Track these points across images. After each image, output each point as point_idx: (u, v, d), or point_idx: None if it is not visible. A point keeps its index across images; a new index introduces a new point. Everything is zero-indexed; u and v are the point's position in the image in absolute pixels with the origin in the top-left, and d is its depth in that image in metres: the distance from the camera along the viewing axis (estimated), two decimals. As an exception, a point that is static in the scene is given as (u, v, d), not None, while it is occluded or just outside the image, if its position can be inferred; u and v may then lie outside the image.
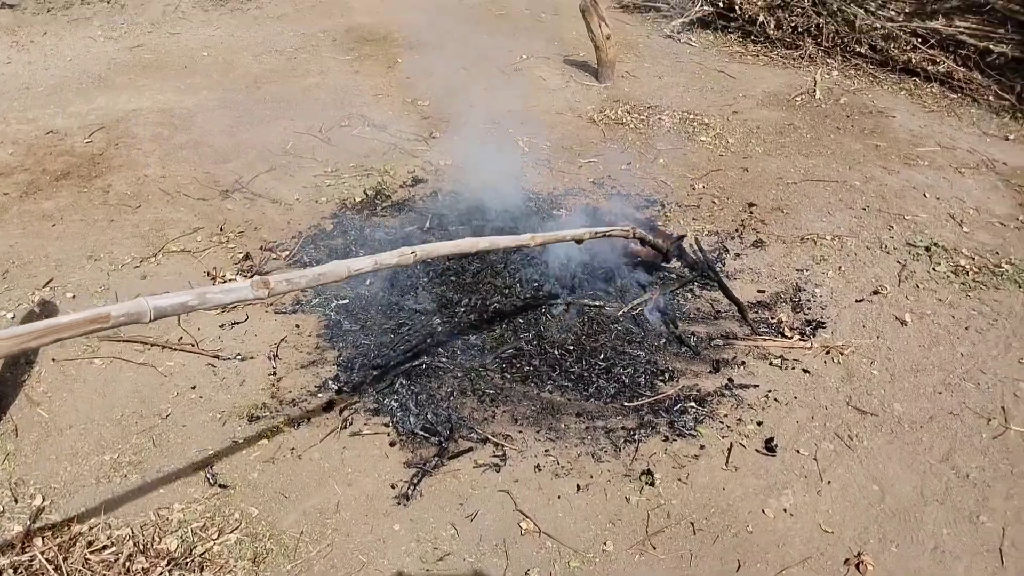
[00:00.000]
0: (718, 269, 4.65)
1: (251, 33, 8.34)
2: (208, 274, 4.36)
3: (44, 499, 2.98)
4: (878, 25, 8.30)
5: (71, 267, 4.37)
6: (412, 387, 3.63)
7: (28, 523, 2.86)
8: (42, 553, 2.73)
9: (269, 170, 5.56)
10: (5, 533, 2.83)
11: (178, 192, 5.20)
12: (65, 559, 2.72)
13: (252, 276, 4.30)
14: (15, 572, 2.66)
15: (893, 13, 8.42)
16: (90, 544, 2.79)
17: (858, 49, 8.36)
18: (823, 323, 4.28)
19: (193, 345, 3.85)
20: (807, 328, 4.24)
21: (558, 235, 3.77)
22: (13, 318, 3.94)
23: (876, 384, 3.86)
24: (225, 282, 4.31)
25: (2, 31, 7.38)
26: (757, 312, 4.36)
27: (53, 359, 3.70)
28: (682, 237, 4.63)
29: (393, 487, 3.13)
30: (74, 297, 4.13)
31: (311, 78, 7.23)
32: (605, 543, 2.97)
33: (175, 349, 3.82)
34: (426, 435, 3.38)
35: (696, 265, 4.64)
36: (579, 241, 3.84)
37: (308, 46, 8.05)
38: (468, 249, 3.33)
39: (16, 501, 2.97)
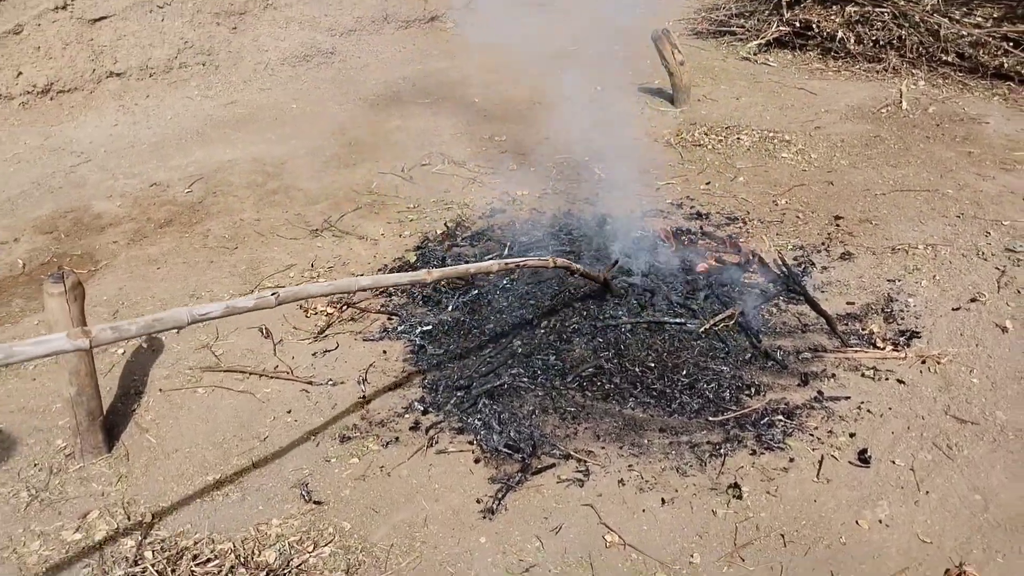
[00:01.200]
0: (804, 283, 4.56)
1: (336, 84, 8.75)
2: (301, 306, 4.56)
3: (154, 516, 3.16)
4: (964, 33, 8.05)
5: (174, 305, 4.65)
6: (495, 406, 3.68)
7: (140, 538, 3.04)
8: (152, 565, 2.89)
9: (355, 209, 5.80)
10: (120, 548, 3.01)
11: (271, 233, 5.48)
12: (173, 571, 2.87)
13: (342, 307, 4.48)
14: (128, 583, 2.83)
15: (980, 19, 8.15)
16: (195, 557, 2.94)
17: (945, 58, 8.12)
18: (918, 333, 4.13)
19: (288, 372, 4.02)
20: (901, 338, 4.09)
21: (460, 269, 3.87)
22: (123, 352, 4.22)
23: (976, 392, 3.69)
24: (316, 313, 4.50)
25: (110, 96, 7.99)
26: (847, 324, 4.25)
27: (160, 390, 3.94)
28: (614, 264, 4.47)
29: (478, 502, 3.18)
30: (178, 332, 4.39)
31: (393, 122, 7.52)
32: (692, 555, 2.92)
33: (271, 377, 4.00)
34: (509, 452, 3.42)
35: (781, 279, 4.57)
36: (488, 273, 4.01)
37: (389, 93, 8.39)
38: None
39: (128, 519, 3.16)
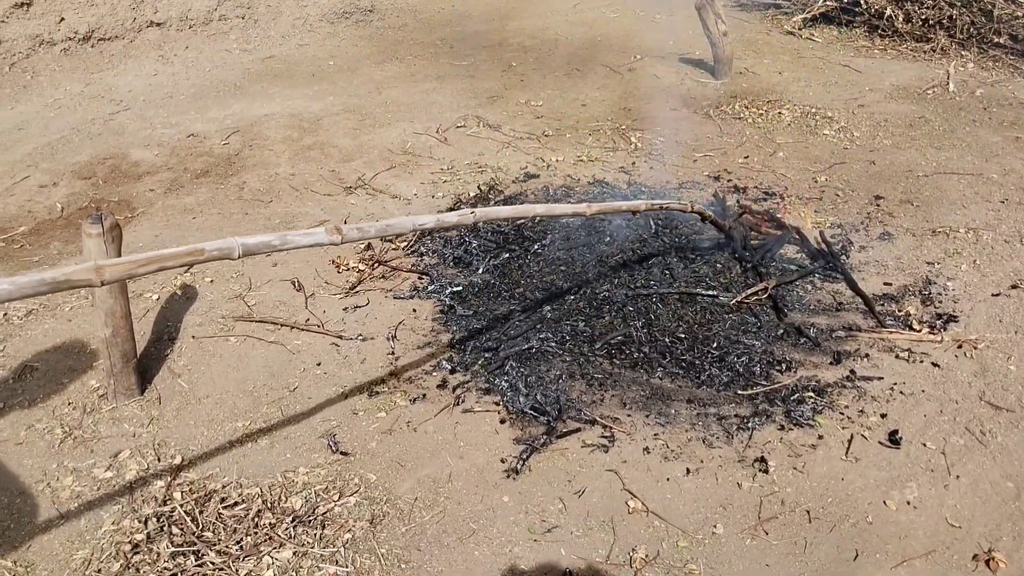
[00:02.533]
0: (843, 261, 4.49)
1: (374, 43, 8.70)
2: (333, 262, 4.58)
3: (183, 459, 3.21)
4: (1020, 14, 7.80)
5: (209, 255, 4.68)
6: (522, 369, 3.68)
7: (169, 480, 3.09)
8: (181, 506, 2.94)
9: (389, 168, 5.79)
10: (150, 488, 3.07)
11: (306, 188, 5.49)
12: (201, 512, 2.92)
13: (374, 265, 4.50)
14: (158, 521, 2.88)
15: (1037, 0, 7.89)
16: (223, 500, 2.98)
17: (996, 40, 7.90)
18: (955, 317, 4.05)
19: (319, 326, 4.05)
20: (937, 321, 4.03)
21: (614, 205, 3.79)
22: (157, 299, 4.27)
23: (1013, 380, 3.63)
24: (348, 269, 4.52)
25: (150, 46, 8.01)
26: (883, 305, 4.18)
27: (193, 336, 3.99)
28: (742, 213, 4.52)
29: (503, 461, 3.20)
30: (212, 282, 4.43)
31: (429, 83, 7.47)
32: (715, 526, 2.92)
33: (303, 329, 4.03)
34: (535, 414, 3.42)
35: (819, 255, 4.50)
36: (634, 212, 3.86)
37: (427, 53, 8.33)
38: (525, 214, 3.48)
39: (159, 460, 3.21)
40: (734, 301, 4.10)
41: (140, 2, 8.15)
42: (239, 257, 2.28)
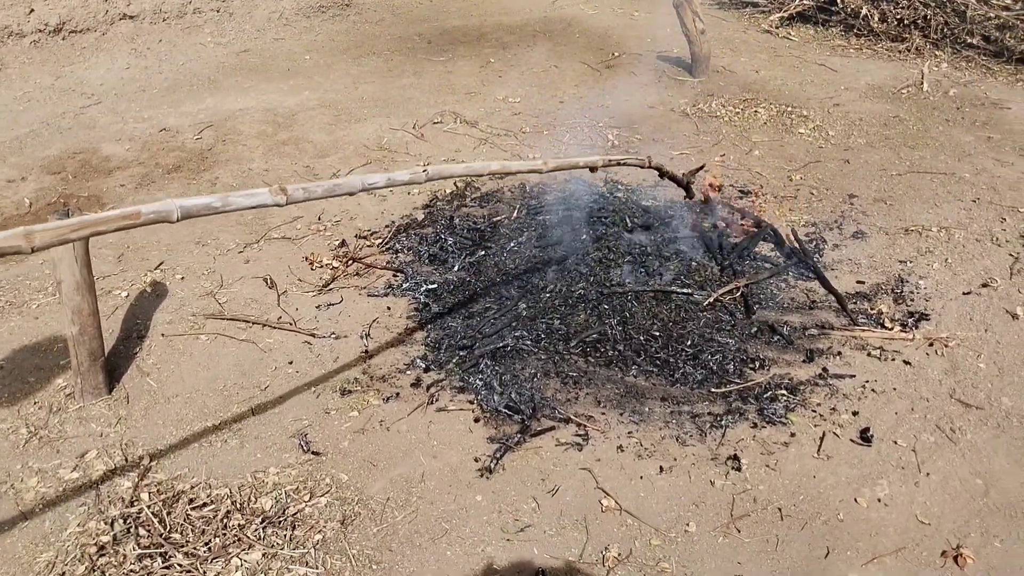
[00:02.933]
0: (816, 259, 4.51)
1: (350, 37, 8.63)
2: (306, 259, 4.53)
3: (151, 459, 3.16)
4: (992, 15, 7.88)
5: (180, 251, 4.63)
6: (497, 367, 3.67)
7: (136, 480, 3.04)
8: (148, 507, 2.89)
9: (365, 164, 5.74)
10: (116, 488, 3.02)
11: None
12: (168, 513, 2.87)
13: (347, 262, 4.45)
14: (124, 522, 2.83)
15: (1009, 1, 7.97)
16: (191, 501, 2.94)
17: (969, 40, 7.97)
18: (927, 315, 4.09)
19: (291, 324, 4.00)
20: (909, 320, 4.06)
21: (571, 161, 3.69)
22: (126, 296, 4.20)
23: (983, 377, 3.66)
24: (322, 266, 4.48)
25: (123, 39, 7.89)
26: (856, 303, 4.20)
27: (162, 334, 3.93)
28: (699, 169, 4.54)
29: (476, 460, 3.18)
30: (183, 279, 4.37)
31: (406, 79, 7.42)
32: (687, 524, 2.92)
33: (275, 327, 3.98)
34: (509, 413, 3.41)
35: (792, 254, 4.52)
36: (593, 169, 3.75)
37: (404, 48, 8.27)
38: (479, 171, 3.40)
39: (126, 460, 3.16)
40: (707, 302, 4.10)
41: (112, -6, 8.02)
42: (177, 220, 2.16)
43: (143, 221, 2.13)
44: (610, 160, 3.76)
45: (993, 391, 3.57)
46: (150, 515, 2.86)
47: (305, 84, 7.23)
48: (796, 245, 4.59)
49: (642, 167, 4.00)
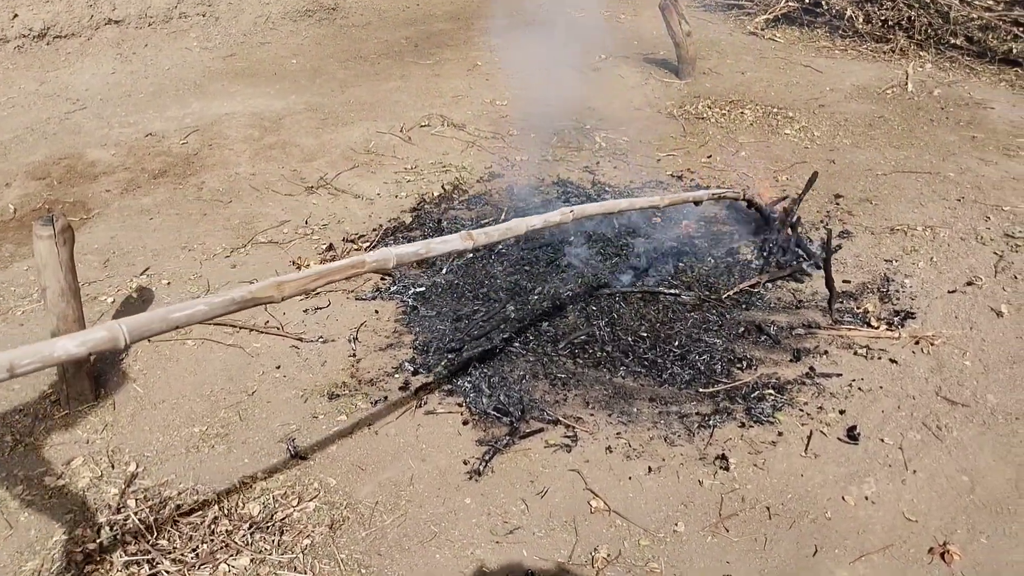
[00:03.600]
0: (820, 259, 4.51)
1: (337, 41, 8.62)
2: (293, 263, 4.52)
3: (138, 466, 3.15)
4: (975, 16, 7.95)
5: (167, 257, 4.60)
6: (485, 370, 3.67)
7: (123, 486, 3.02)
8: (135, 513, 2.88)
9: (352, 168, 5.73)
10: (103, 495, 3.00)
11: (267, 188, 5.42)
12: (155, 520, 2.86)
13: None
14: (111, 529, 2.81)
15: (991, 2, 8.04)
16: (179, 507, 2.93)
17: (953, 41, 8.03)
18: (912, 313, 4.11)
19: (279, 328, 3.99)
20: (895, 318, 4.08)
21: (683, 196, 4.09)
22: (112, 302, 4.18)
23: (968, 375, 3.69)
24: (308, 267, 4.46)
25: (108, 44, 7.85)
26: (842, 302, 4.23)
27: (149, 340, 3.91)
28: (786, 204, 4.76)
29: (465, 463, 3.17)
30: (169, 284, 4.35)
31: (393, 82, 7.41)
32: (676, 524, 2.93)
33: (262, 332, 3.97)
34: (498, 415, 3.41)
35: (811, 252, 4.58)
36: (698, 203, 4.19)
37: (391, 52, 8.27)
38: (611, 209, 3.67)
39: (113, 467, 3.14)
40: (726, 295, 4.16)
41: (97, -1, 7.98)
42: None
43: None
44: (712, 194, 4.22)
45: (978, 389, 3.60)
46: (137, 522, 2.84)
47: (292, 88, 7.22)
48: (825, 244, 4.60)
49: (737, 200, 4.53)
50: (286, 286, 2.24)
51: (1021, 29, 7.67)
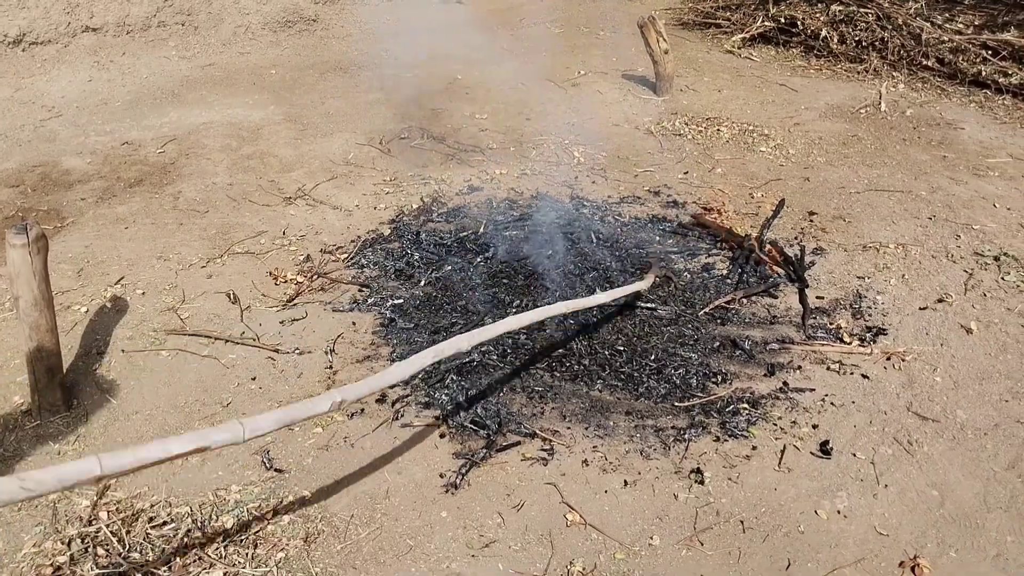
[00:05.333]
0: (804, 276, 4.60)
1: (317, 53, 8.62)
2: (271, 274, 4.50)
3: (110, 477, 3.10)
4: (946, 38, 8.12)
5: (142, 266, 4.57)
6: (462, 383, 3.67)
7: (95, 499, 2.98)
8: (107, 526, 2.84)
9: (330, 179, 5.72)
10: (74, 507, 2.95)
11: (244, 199, 5.39)
12: (128, 532, 2.82)
13: (312, 276, 4.42)
14: (82, 542, 2.78)
15: (961, 26, 8.23)
16: (151, 520, 2.89)
17: (925, 62, 8.19)
18: (884, 330, 4.18)
19: (255, 339, 3.97)
20: (867, 334, 4.14)
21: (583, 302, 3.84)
22: (86, 311, 4.13)
23: (939, 391, 3.75)
24: (286, 281, 4.44)
25: (85, 52, 7.79)
26: (815, 318, 4.28)
27: (122, 350, 3.87)
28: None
29: (442, 476, 3.17)
30: (144, 294, 4.31)
31: (373, 94, 7.42)
32: (651, 537, 2.94)
33: (237, 343, 3.94)
34: (475, 428, 3.41)
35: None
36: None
37: (371, 64, 8.27)
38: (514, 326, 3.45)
39: (84, 479, 3.09)
40: (703, 311, 4.19)
41: (75, 6, 7.93)
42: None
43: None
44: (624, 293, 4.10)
45: (948, 404, 3.66)
46: (108, 534, 2.81)
47: (271, 98, 7.20)
48: (795, 261, 4.68)
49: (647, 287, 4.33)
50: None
51: (990, 52, 7.85)
